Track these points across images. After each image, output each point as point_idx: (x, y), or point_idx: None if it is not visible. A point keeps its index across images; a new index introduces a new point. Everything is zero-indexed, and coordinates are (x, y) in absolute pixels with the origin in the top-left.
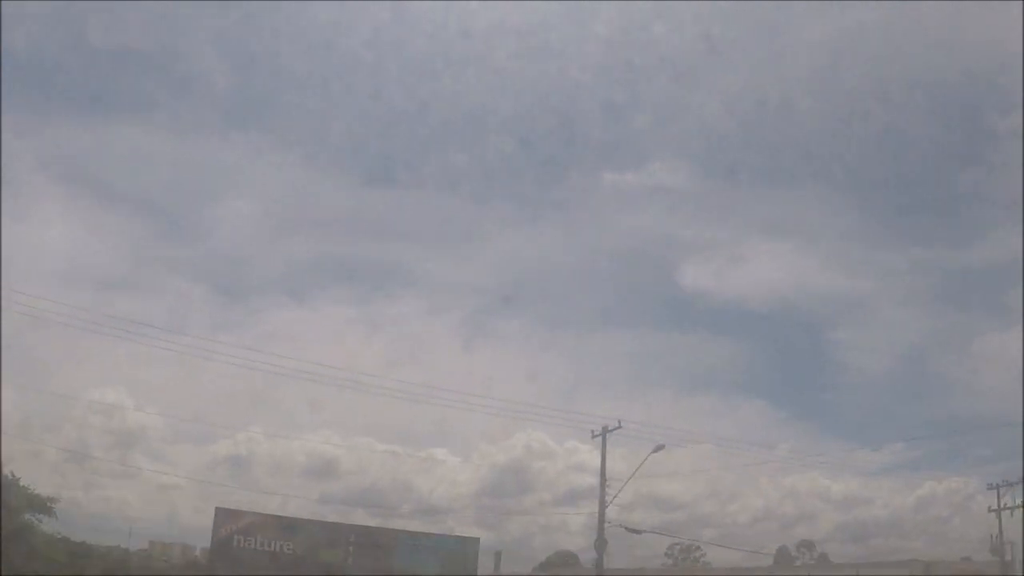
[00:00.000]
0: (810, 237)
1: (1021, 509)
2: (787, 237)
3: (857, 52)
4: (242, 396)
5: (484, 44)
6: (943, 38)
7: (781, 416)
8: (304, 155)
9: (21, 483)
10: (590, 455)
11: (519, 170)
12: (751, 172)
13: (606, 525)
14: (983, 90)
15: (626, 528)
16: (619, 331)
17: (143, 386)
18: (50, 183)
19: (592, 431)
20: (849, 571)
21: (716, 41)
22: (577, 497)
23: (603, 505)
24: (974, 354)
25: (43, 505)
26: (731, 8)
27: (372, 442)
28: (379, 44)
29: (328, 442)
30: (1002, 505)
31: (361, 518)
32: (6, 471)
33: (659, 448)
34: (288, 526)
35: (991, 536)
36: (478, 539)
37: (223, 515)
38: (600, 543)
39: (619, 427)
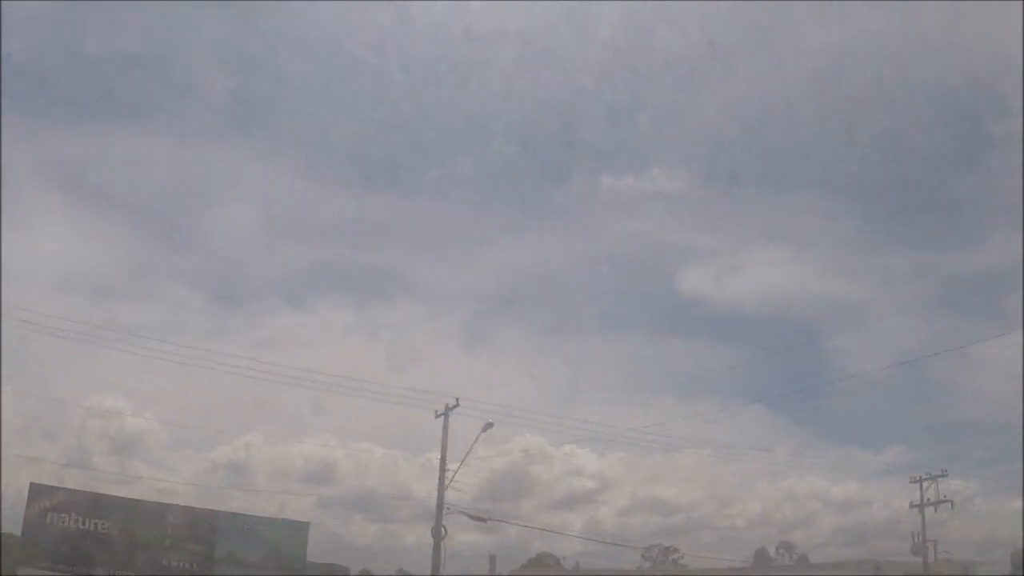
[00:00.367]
0: (809, 242)
1: (950, 504)
2: (786, 242)
3: (858, 57)
4: (241, 402)
5: (487, 49)
6: (943, 43)
7: (780, 421)
8: (303, 160)
9: None
10: (588, 459)
11: (519, 175)
12: (750, 177)
13: (446, 511)
14: (983, 95)
15: (469, 515)
16: (618, 336)
17: (141, 393)
18: (48, 189)
19: (435, 410)
20: (815, 571)
21: (719, 45)
22: (575, 501)
23: (442, 488)
24: (973, 359)
25: None
26: (733, 12)
27: (371, 446)
28: (378, 49)
29: (327, 446)
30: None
31: (359, 523)
32: None
33: (488, 426)
34: (103, 504)
35: (912, 535)
36: (308, 523)
37: (37, 491)
38: (437, 529)
39: (456, 405)
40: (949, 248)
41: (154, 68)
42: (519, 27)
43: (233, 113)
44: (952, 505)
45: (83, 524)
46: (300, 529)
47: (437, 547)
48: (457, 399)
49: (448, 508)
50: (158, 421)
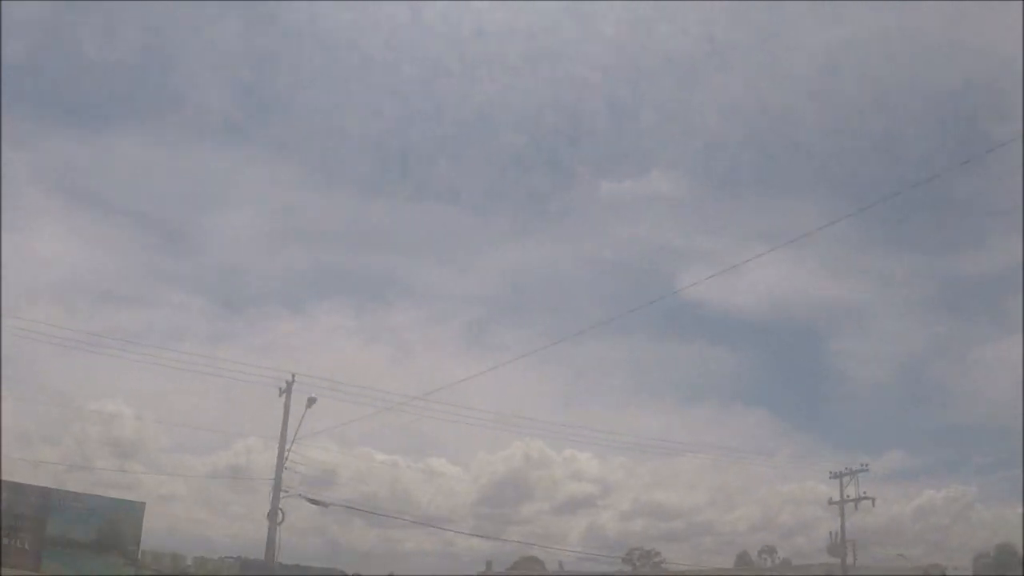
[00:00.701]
0: (808, 245)
1: (871, 501)
2: (786, 245)
3: (857, 57)
4: (240, 406)
5: (493, 47)
6: (943, 44)
7: (781, 425)
8: (302, 165)
9: None
10: (588, 464)
11: (517, 179)
12: (750, 180)
13: (284, 495)
14: (983, 96)
15: (308, 499)
16: (617, 340)
17: (142, 398)
18: (47, 195)
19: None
20: (789, 571)
21: (718, 44)
22: (576, 505)
23: (280, 471)
24: (973, 362)
25: None
26: (733, 12)
27: (371, 452)
28: (378, 54)
29: (327, 450)
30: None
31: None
32: None
33: (312, 401)
34: None
35: (830, 534)
36: (143, 503)
37: None
38: (273, 513)
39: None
40: (949, 250)
41: (152, 74)
42: (526, 24)
43: (231, 118)
44: (873, 503)
45: None
46: (135, 509)
47: (272, 530)
48: (293, 375)
49: (286, 491)
50: (158, 424)
